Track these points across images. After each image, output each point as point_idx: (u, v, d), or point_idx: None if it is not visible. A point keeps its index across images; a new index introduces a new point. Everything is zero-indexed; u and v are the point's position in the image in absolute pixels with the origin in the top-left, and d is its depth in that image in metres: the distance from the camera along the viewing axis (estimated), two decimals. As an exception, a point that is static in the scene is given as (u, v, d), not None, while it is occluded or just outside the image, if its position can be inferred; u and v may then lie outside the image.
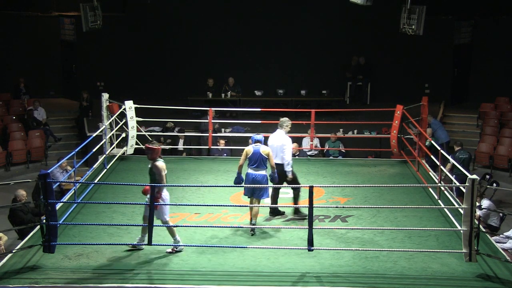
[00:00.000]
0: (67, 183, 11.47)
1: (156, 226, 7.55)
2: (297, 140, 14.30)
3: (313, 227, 7.46)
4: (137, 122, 12.55)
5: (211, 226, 8.69)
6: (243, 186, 8.79)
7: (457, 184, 9.77)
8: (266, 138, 9.00)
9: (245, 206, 9.23)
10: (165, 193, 7.80)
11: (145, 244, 7.64)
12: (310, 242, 7.43)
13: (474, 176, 7.25)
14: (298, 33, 18.48)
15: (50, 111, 17.42)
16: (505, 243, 9.50)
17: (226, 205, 9.64)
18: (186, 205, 9.36)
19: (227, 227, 8.67)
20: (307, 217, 8.99)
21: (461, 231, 7.45)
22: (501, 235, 9.80)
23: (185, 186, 10.57)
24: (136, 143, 12.50)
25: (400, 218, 9.18)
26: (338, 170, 11.94)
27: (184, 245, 7.89)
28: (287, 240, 8.32)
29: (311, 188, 7.36)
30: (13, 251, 7.84)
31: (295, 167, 9.39)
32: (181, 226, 8.42)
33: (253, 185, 8.50)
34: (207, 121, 13.17)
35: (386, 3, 16.63)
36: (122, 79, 18.48)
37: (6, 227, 9.98)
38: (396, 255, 7.77)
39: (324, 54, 18.43)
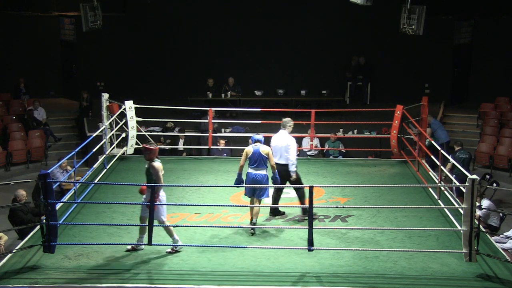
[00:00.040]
0: (67, 183, 11.48)
1: (156, 226, 7.56)
2: (297, 140, 14.12)
3: (313, 227, 7.46)
4: (137, 122, 12.55)
5: (211, 226, 8.69)
6: (243, 186, 8.80)
7: (457, 184, 9.77)
8: (266, 138, 9.00)
9: (245, 206, 9.24)
10: (162, 194, 7.81)
11: (145, 244, 7.64)
12: (310, 242, 7.43)
13: (474, 176, 7.25)
14: (298, 33, 18.48)
15: (50, 111, 17.42)
16: (505, 243, 9.50)
17: (226, 205, 9.64)
18: (186, 205, 9.36)
19: (227, 227, 8.67)
20: (316, 216, 9.06)
21: (461, 231, 7.45)
22: (501, 235, 9.79)
23: (185, 186, 10.58)
24: (136, 143, 12.50)
25: (400, 218, 9.18)
26: (338, 170, 11.94)
27: (184, 245, 7.89)
28: (287, 240, 8.32)
29: (311, 188, 7.36)
30: (13, 251, 7.84)
31: (295, 167, 9.40)
32: (181, 226, 8.43)
33: (253, 185, 8.50)
34: (207, 121, 13.17)
35: (386, 3, 16.63)
36: (122, 79, 18.48)
37: (6, 227, 9.98)
38: (396, 255, 7.77)
39: (324, 54, 18.43)
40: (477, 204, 9.28)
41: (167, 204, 7.97)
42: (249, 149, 8.65)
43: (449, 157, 10.64)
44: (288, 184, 9.11)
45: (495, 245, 8.29)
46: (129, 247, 7.87)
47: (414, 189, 10.57)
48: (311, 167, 11.98)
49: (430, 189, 10.43)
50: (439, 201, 9.84)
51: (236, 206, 9.61)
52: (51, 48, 19.34)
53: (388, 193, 10.37)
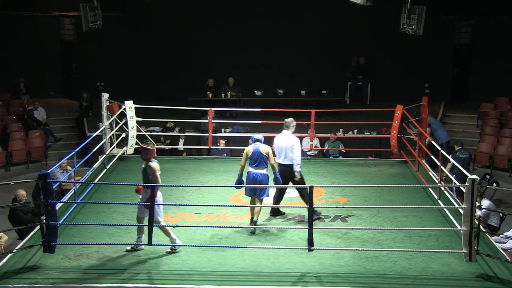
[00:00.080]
0: (67, 183, 11.47)
1: (155, 226, 7.56)
2: (297, 140, 14.28)
3: (313, 227, 7.46)
4: (137, 122, 12.55)
5: (211, 226, 8.69)
6: (243, 187, 8.80)
7: (457, 184, 9.77)
8: (266, 138, 9.00)
9: (245, 206, 9.24)
10: (159, 194, 7.80)
11: (145, 244, 7.64)
12: (310, 242, 7.43)
13: (474, 176, 7.25)
14: (298, 33, 18.48)
15: (50, 111, 17.42)
16: (505, 243, 9.50)
17: (226, 205, 9.64)
18: (186, 205, 9.36)
19: (227, 227, 8.67)
20: (321, 215, 9.05)
21: (461, 231, 7.45)
22: (501, 235, 9.79)
23: (185, 186, 10.57)
24: (136, 143, 12.49)
25: (400, 218, 9.18)
26: (338, 170, 11.94)
27: (184, 245, 7.89)
28: (287, 240, 8.32)
29: (311, 188, 7.36)
30: (13, 251, 7.84)
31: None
32: (181, 226, 8.43)
33: (254, 185, 8.50)
34: (207, 121, 13.17)
35: (386, 3, 16.63)
36: (122, 79, 18.48)
37: (6, 227, 9.97)
38: (396, 255, 7.77)
39: (324, 54, 18.43)
40: (477, 204, 9.29)
41: (166, 204, 7.96)
42: (249, 149, 8.66)
43: (449, 157, 10.64)
44: (290, 184, 9.11)
45: (495, 245, 8.29)
46: (128, 247, 7.87)
47: (414, 189, 10.57)
48: (311, 167, 11.97)
49: (430, 189, 10.43)
50: (439, 201, 9.84)
51: (236, 206, 9.61)
52: (51, 48, 19.34)
53: (388, 193, 10.37)
